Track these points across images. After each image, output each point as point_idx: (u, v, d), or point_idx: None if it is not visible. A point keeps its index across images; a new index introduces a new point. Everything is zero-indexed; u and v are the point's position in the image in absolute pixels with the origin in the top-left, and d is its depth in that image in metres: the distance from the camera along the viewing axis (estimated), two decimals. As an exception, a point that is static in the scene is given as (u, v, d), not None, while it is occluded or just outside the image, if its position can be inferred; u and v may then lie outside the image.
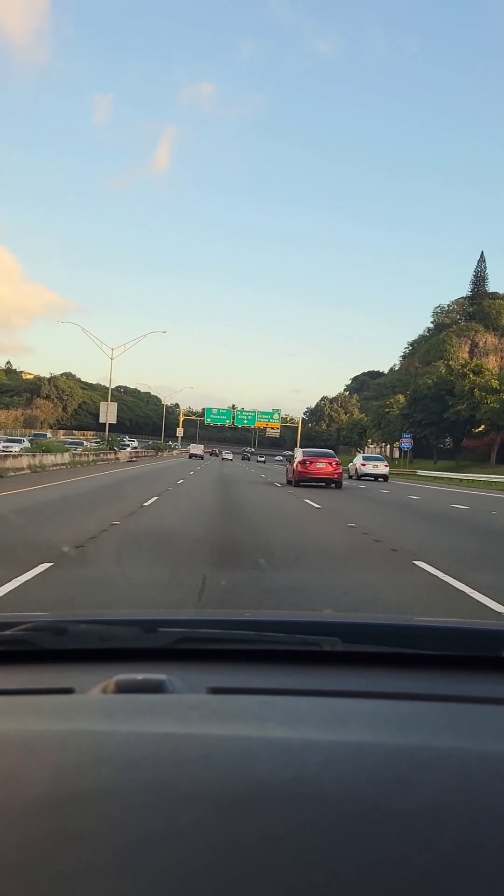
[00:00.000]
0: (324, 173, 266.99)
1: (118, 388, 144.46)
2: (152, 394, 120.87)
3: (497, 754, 0.86)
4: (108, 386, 47.81)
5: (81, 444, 48.63)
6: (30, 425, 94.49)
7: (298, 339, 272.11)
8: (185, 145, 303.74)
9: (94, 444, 46.88)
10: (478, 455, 60.43)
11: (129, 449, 51.02)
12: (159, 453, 62.42)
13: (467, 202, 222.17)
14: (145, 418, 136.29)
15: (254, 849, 0.62)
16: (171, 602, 5.00)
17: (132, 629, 1.30)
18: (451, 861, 0.62)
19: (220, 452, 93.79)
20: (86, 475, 22.54)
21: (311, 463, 22.20)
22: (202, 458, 67.98)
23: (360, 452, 55.74)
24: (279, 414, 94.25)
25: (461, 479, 39.96)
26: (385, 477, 33.99)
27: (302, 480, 21.77)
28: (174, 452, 75.27)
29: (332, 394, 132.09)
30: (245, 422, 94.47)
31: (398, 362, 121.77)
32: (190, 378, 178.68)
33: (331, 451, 26.20)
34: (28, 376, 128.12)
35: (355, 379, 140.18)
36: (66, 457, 29.02)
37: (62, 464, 27.47)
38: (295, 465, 22.81)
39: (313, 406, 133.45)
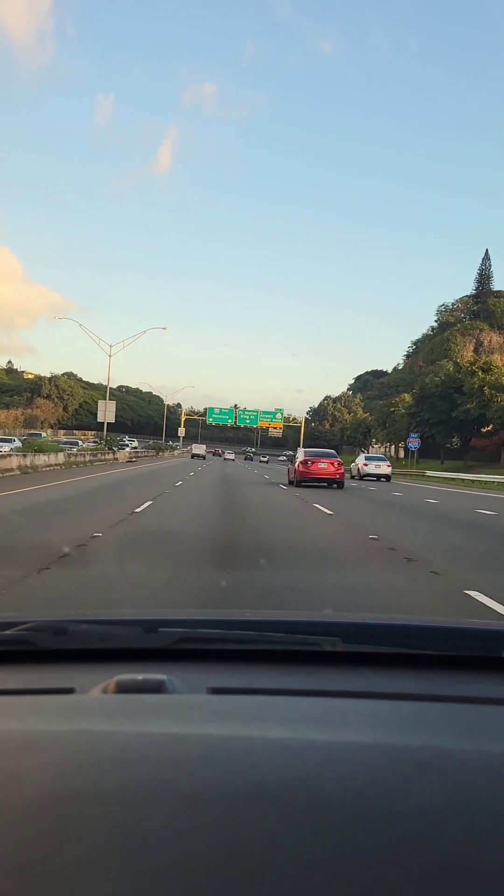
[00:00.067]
0: (325, 173, 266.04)
1: (120, 387, 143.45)
2: (154, 393, 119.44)
3: (497, 755, 0.86)
4: (109, 386, 46.35)
5: (77, 443, 46.85)
6: (30, 425, 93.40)
7: (301, 339, 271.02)
8: (187, 145, 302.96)
9: (92, 444, 45.09)
10: (486, 455, 58.99)
11: (127, 449, 49.48)
12: (160, 453, 61.05)
13: (471, 200, 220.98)
14: (147, 418, 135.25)
15: (254, 849, 0.62)
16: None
17: (132, 629, 1.29)
18: (452, 861, 0.62)
19: (223, 452, 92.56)
20: (79, 476, 21.50)
21: (312, 463, 22.05)
22: (204, 458, 67.67)
23: (363, 452, 54.40)
24: (282, 413, 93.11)
25: (473, 480, 38.35)
26: (388, 477, 33.61)
27: (304, 480, 21.64)
28: (175, 452, 74.24)
29: (334, 394, 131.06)
30: (247, 421, 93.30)
31: (402, 361, 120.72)
32: (192, 379, 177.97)
33: (333, 451, 26.11)
34: (29, 376, 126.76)
35: (358, 378, 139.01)
36: (61, 457, 27.66)
37: (56, 464, 26.17)
38: (297, 465, 22.65)
39: (316, 406, 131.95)
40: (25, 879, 0.58)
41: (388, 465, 34.61)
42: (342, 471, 22.40)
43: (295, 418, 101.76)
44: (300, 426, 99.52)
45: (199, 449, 73.74)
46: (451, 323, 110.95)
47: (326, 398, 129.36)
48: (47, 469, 23.98)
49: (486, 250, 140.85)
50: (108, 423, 41.85)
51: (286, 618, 1.75)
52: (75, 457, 30.70)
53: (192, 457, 68.79)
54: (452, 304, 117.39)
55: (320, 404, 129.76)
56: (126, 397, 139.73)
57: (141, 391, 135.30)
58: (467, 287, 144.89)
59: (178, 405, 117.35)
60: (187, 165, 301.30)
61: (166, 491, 17.16)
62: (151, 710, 0.95)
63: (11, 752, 0.81)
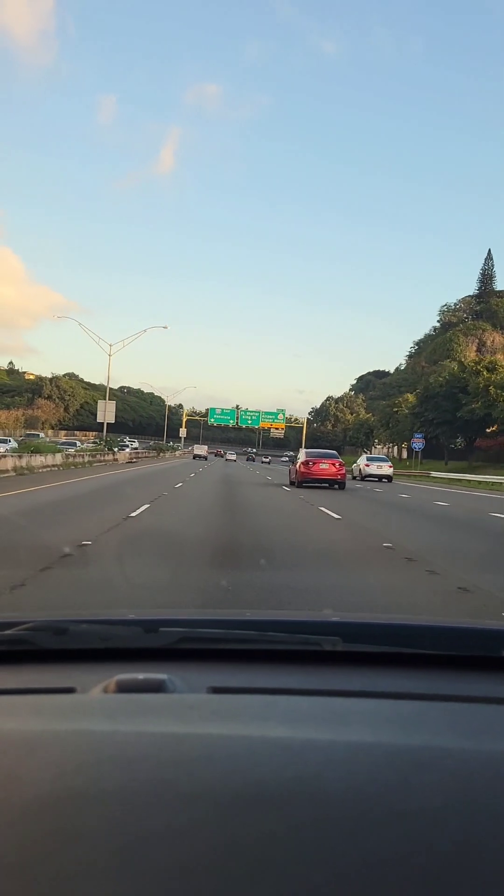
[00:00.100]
0: (327, 173, 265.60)
1: (121, 388, 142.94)
2: (156, 394, 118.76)
3: (498, 754, 0.86)
4: (110, 386, 45.62)
5: (74, 444, 45.78)
6: (31, 426, 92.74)
7: (302, 340, 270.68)
8: (190, 146, 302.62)
9: (91, 445, 44.15)
10: (491, 455, 58.20)
11: (127, 450, 48.71)
12: (161, 454, 60.23)
13: (473, 200, 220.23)
14: (148, 419, 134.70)
15: (254, 848, 0.62)
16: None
17: (133, 629, 1.30)
18: (452, 861, 0.62)
19: (224, 453, 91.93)
20: (76, 478, 20.81)
21: (314, 464, 21.99)
22: (206, 459, 67.49)
23: (366, 453, 53.63)
24: (284, 414, 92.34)
25: (479, 482, 37.46)
26: (389, 478, 33.41)
27: (305, 481, 21.58)
28: (177, 453, 73.55)
29: (336, 394, 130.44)
30: (249, 422, 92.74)
31: (404, 362, 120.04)
32: (194, 379, 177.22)
33: (334, 451, 26.10)
34: (30, 377, 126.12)
35: (361, 378, 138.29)
36: (58, 458, 26.93)
37: (53, 465, 25.48)
38: (298, 465, 22.57)
39: (318, 406, 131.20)
40: (26, 879, 0.58)
41: (390, 466, 34.47)
42: (343, 471, 22.28)
43: (297, 419, 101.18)
44: (302, 427, 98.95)
45: (200, 450, 73.53)
46: (453, 323, 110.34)
47: (328, 398, 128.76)
48: (44, 470, 23.42)
49: (489, 250, 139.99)
50: (107, 423, 41.06)
51: (286, 617, 1.74)
52: (73, 458, 29.93)
53: (194, 457, 68.53)
54: (455, 304, 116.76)
55: (322, 405, 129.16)
56: (127, 398, 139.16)
57: (143, 392, 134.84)
58: (469, 287, 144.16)
59: (180, 406, 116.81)
60: (189, 166, 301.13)
61: (165, 493, 16.40)
62: (152, 710, 0.95)
63: (12, 752, 0.81)
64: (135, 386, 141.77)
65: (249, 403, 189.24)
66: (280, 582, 5.70)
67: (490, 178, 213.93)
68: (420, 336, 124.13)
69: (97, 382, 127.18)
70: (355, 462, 36.28)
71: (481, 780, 0.78)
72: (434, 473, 47.80)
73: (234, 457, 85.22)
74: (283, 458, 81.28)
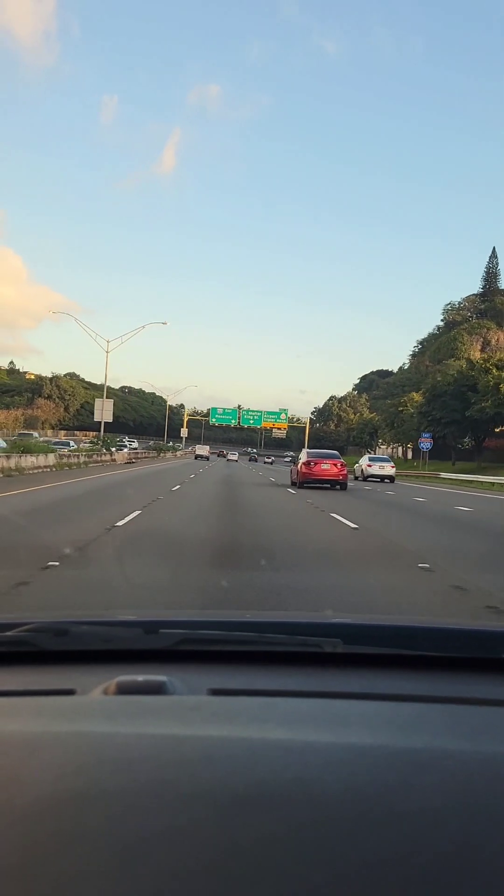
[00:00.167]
0: (329, 172, 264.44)
1: (122, 388, 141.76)
2: (157, 394, 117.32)
3: (498, 756, 0.86)
4: (111, 386, 44.36)
5: (68, 443, 43.67)
6: (31, 426, 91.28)
7: (304, 340, 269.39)
8: (192, 146, 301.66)
9: (88, 445, 42.38)
10: (500, 456, 56.45)
11: (126, 450, 47.05)
12: (161, 454, 58.63)
13: (476, 199, 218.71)
14: (149, 419, 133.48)
15: (254, 850, 0.63)
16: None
17: (133, 630, 1.30)
18: (452, 862, 0.62)
19: (226, 453, 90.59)
20: (67, 480, 19.58)
21: (315, 464, 21.86)
22: (207, 459, 67.08)
23: (370, 453, 52.09)
24: (286, 414, 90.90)
25: (492, 483, 35.62)
26: (392, 478, 33.11)
27: (306, 482, 21.47)
28: (178, 453, 72.06)
29: (339, 394, 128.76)
30: (251, 422, 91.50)
31: (407, 361, 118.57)
32: (195, 380, 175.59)
33: (336, 452, 26.03)
34: (31, 377, 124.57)
35: (364, 378, 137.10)
36: (51, 458, 25.44)
37: (45, 466, 24.04)
38: (300, 466, 22.45)
39: (321, 406, 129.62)
40: (27, 880, 0.58)
41: (392, 466, 34.13)
42: (345, 472, 22.17)
43: (299, 419, 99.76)
44: (304, 427, 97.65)
45: (202, 450, 72.95)
46: (457, 322, 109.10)
47: (331, 398, 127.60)
48: (35, 472, 22.20)
49: (493, 248, 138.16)
50: (105, 422, 39.55)
51: (286, 619, 1.74)
52: (68, 458, 28.41)
53: (196, 457, 67.98)
54: (459, 303, 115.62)
55: (325, 404, 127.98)
56: (128, 398, 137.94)
57: (144, 392, 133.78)
58: (473, 286, 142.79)
59: (182, 406, 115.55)
60: (190, 166, 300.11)
61: (161, 497, 14.95)
62: (152, 712, 0.96)
63: (13, 753, 0.81)
64: (136, 386, 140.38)
65: (251, 404, 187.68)
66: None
67: (493, 177, 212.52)
68: (423, 335, 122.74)
69: (98, 382, 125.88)
70: (357, 462, 35.84)
71: (481, 781, 0.78)
72: (444, 474, 46.26)
73: (235, 457, 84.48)
74: (286, 459, 79.91)
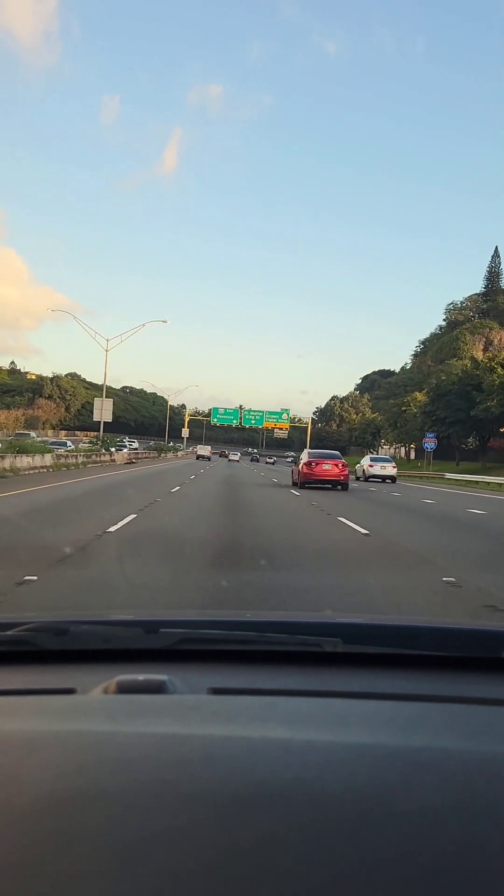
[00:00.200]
0: (330, 173, 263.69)
1: (124, 388, 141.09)
2: (159, 394, 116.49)
3: (498, 755, 0.86)
4: (112, 386, 43.67)
5: (65, 443, 42.35)
6: (31, 426, 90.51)
7: (305, 340, 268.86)
8: (193, 147, 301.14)
9: (87, 445, 41.34)
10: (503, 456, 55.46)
11: (125, 450, 46.18)
12: (162, 455, 57.77)
13: (478, 198, 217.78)
14: (151, 419, 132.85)
15: (254, 849, 0.63)
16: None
17: (133, 630, 1.30)
18: (452, 862, 0.62)
19: (228, 454, 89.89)
20: (64, 481, 18.82)
21: (317, 464, 21.80)
22: (209, 460, 66.82)
23: (372, 453, 51.30)
24: (288, 414, 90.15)
25: (499, 484, 34.68)
26: (393, 478, 33.02)
27: (308, 482, 21.44)
28: (179, 454, 71.27)
29: (340, 395, 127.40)
30: (253, 422, 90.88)
31: (409, 361, 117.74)
32: (197, 380, 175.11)
33: (337, 452, 25.98)
34: (32, 377, 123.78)
35: (366, 378, 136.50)
36: (48, 459, 24.69)
37: (41, 467, 23.34)
38: (301, 466, 22.38)
39: (322, 406, 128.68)
40: (26, 880, 0.58)
41: (394, 467, 34.02)
42: (346, 472, 22.11)
43: (301, 419, 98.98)
44: (306, 427, 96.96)
45: (204, 450, 72.66)
46: (459, 321, 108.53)
47: (333, 398, 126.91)
48: (30, 472, 21.51)
49: (496, 248, 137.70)
50: (106, 422, 38.78)
51: (286, 618, 1.75)
52: (65, 459, 27.62)
53: (198, 458, 67.73)
54: (461, 303, 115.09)
55: (327, 404, 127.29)
56: (130, 398, 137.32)
57: (145, 392, 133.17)
58: (475, 286, 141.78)
59: (183, 406, 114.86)
60: (192, 166, 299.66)
61: (158, 499, 14.22)
62: (152, 711, 0.96)
63: (13, 753, 0.81)
64: (137, 386, 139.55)
65: (252, 404, 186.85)
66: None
67: (495, 176, 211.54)
68: (425, 335, 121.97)
69: (99, 382, 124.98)
70: (359, 463, 35.69)
71: (481, 781, 0.78)
72: (448, 475, 45.41)
73: (237, 457, 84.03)
74: (288, 459, 79.13)
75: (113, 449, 38.79)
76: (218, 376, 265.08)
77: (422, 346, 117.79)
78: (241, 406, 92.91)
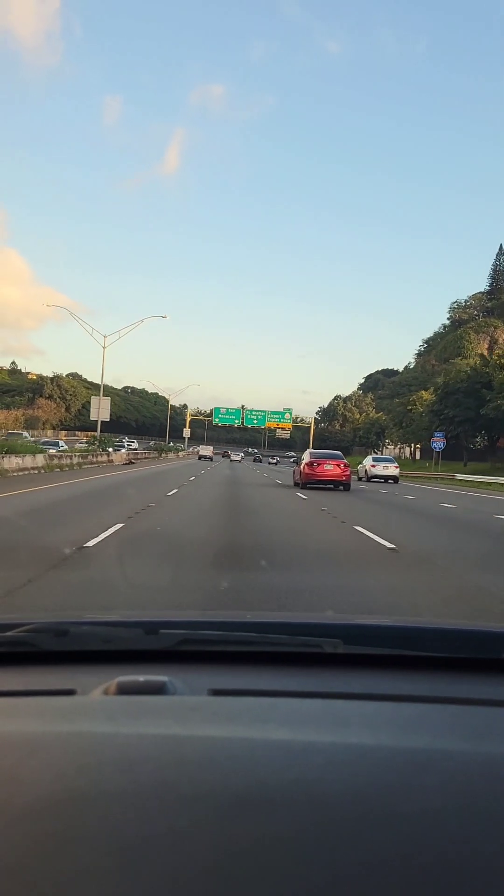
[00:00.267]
0: (333, 172, 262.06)
1: (125, 388, 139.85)
2: (160, 394, 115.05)
3: (498, 757, 0.86)
4: (114, 386, 42.32)
5: (57, 443, 40.22)
6: (31, 426, 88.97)
7: (307, 340, 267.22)
8: (195, 147, 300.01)
9: (84, 445, 39.63)
10: (513, 456, 53.77)
11: (123, 450, 44.58)
12: (163, 455, 56.17)
13: (480, 197, 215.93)
14: (152, 419, 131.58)
15: (255, 850, 0.63)
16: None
17: (134, 631, 1.30)
18: (453, 863, 0.62)
19: (230, 454, 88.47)
20: (53, 483, 17.49)
21: (318, 465, 21.64)
22: (211, 460, 66.46)
23: (376, 453, 49.81)
24: (291, 413, 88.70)
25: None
26: (395, 479, 32.92)
27: (309, 482, 21.33)
28: (180, 454, 69.84)
29: (342, 394, 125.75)
30: (255, 422, 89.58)
31: (413, 360, 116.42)
32: (199, 380, 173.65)
33: (339, 452, 25.75)
34: (32, 376, 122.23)
35: (369, 377, 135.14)
36: (39, 459, 23.15)
37: (33, 468, 21.99)
38: (302, 466, 22.22)
39: (325, 406, 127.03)
40: (27, 880, 0.58)
41: (396, 467, 33.87)
42: (349, 472, 22.03)
43: (303, 419, 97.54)
44: (309, 427, 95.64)
45: (206, 450, 72.23)
46: (464, 320, 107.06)
47: (336, 397, 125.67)
48: (19, 474, 20.34)
49: (501, 245, 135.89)
50: (107, 422, 37.41)
51: (287, 619, 1.73)
52: (59, 459, 26.12)
53: (200, 458, 67.30)
54: (465, 301, 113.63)
55: (330, 404, 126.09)
56: (131, 398, 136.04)
57: (146, 392, 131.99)
58: (478, 285, 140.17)
59: (185, 406, 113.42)
60: (194, 167, 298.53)
61: (152, 504, 12.70)
62: (153, 712, 0.96)
63: (13, 754, 0.81)
64: (139, 386, 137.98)
65: (254, 405, 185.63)
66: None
67: (497, 175, 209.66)
68: (429, 334, 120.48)
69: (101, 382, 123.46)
70: (361, 463, 35.46)
71: (482, 782, 0.78)
72: (459, 476, 43.77)
73: (238, 457, 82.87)
74: (291, 459, 77.51)
75: (111, 449, 37.24)
76: (220, 376, 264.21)
77: (425, 346, 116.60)
78: (243, 406, 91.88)
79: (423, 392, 71.02)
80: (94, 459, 31.54)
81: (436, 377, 69.96)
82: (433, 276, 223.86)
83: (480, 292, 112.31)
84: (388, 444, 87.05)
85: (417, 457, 76.30)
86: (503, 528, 12.56)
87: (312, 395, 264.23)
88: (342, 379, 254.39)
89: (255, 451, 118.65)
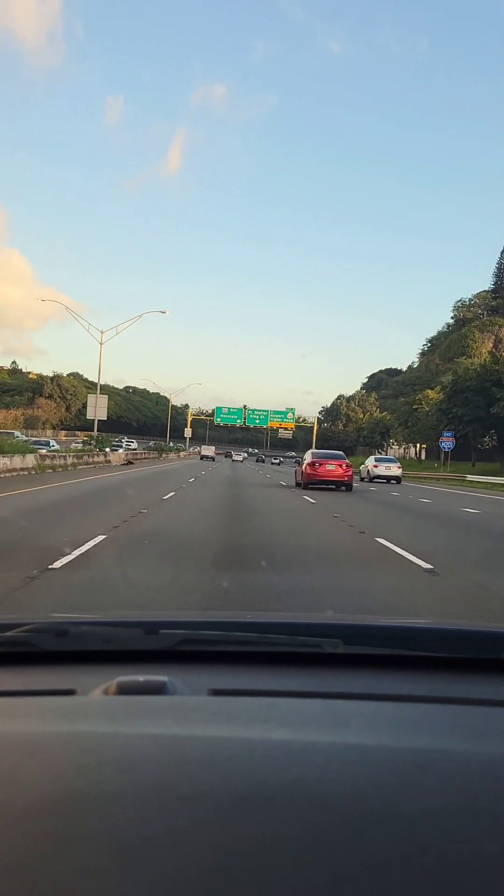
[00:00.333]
0: (335, 172, 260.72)
1: (127, 388, 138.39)
2: (162, 394, 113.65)
3: (498, 757, 0.87)
4: (115, 386, 41.07)
5: (48, 443, 38.90)
6: (31, 425, 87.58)
7: (310, 340, 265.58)
8: (197, 147, 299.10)
9: (79, 444, 38.05)
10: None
11: (121, 450, 43.12)
12: (163, 455, 54.69)
13: (483, 196, 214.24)
14: (153, 419, 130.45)
15: (255, 851, 0.63)
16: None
17: (134, 631, 1.30)
18: (453, 863, 0.63)
19: (232, 454, 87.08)
20: (40, 486, 16.19)
21: (320, 465, 21.57)
22: (213, 460, 65.89)
23: (380, 453, 48.42)
24: (293, 413, 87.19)
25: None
26: (398, 479, 32.77)
27: (311, 482, 21.29)
28: (181, 454, 68.39)
29: (346, 394, 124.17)
30: (257, 421, 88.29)
31: (417, 359, 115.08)
32: (201, 380, 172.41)
33: (341, 452, 25.63)
34: (33, 376, 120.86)
35: (372, 377, 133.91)
36: (30, 460, 21.73)
37: (22, 469, 20.63)
38: (304, 466, 22.16)
39: (328, 405, 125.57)
40: (27, 880, 0.58)
41: (399, 467, 33.65)
42: (350, 472, 21.93)
43: (306, 419, 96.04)
44: (312, 427, 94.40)
45: (208, 450, 71.66)
46: (468, 319, 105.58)
47: (340, 397, 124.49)
48: (7, 475, 19.21)
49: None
50: (107, 422, 36.09)
51: (287, 619, 1.74)
52: (51, 460, 24.68)
53: (202, 458, 66.74)
54: (470, 300, 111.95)
55: (333, 404, 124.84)
56: (132, 398, 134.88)
57: (148, 392, 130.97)
58: (481, 284, 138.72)
59: (186, 406, 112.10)
60: (196, 167, 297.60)
61: (143, 510, 11.38)
62: (153, 712, 0.96)
63: (13, 754, 0.82)
64: (140, 386, 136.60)
65: (256, 405, 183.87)
66: None
67: (501, 173, 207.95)
68: (432, 333, 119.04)
69: (102, 382, 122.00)
70: (363, 463, 35.19)
71: (482, 782, 0.79)
72: (470, 477, 42.37)
73: (240, 457, 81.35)
74: (294, 460, 76.00)
75: (108, 449, 35.75)
76: (221, 377, 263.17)
77: (429, 345, 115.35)
78: (245, 406, 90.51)
79: (430, 391, 69.56)
80: (91, 460, 30.26)
81: (440, 376, 68.57)
82: (436, 275, 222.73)
83: (485, 291, 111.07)
84: (393, 445, 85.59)
85: (423, 457, 74.81)
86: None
87: (315, 396, 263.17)
88: (345, 379, 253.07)
89: (257, 451, 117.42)
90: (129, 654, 1.24)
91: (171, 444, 76.64)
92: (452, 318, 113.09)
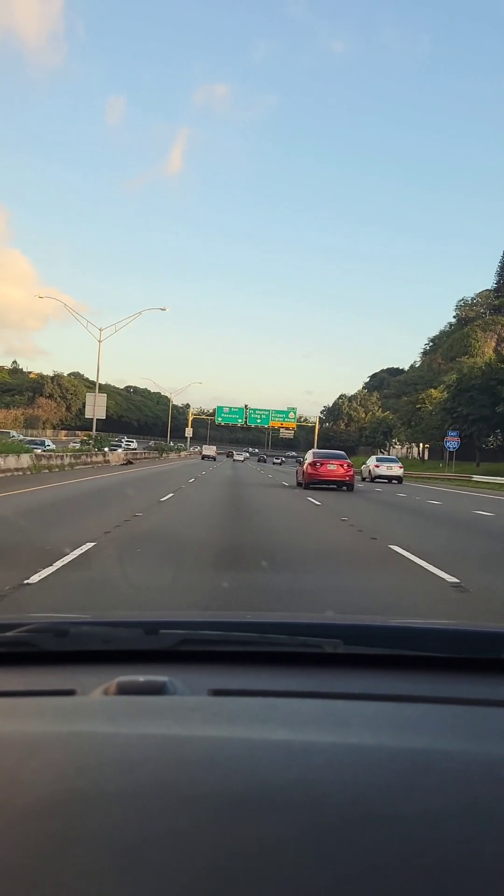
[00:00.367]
0: (337, 172, 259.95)
1: (127, 387, 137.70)
2: (163, 394, 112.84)
3: (499, 757, 0.87)
4: (116, 385, 40.39)
5: (43, 442, 38.45)
6: (31, 425, 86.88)
7: (311, 340, 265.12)
8: (199, 147, 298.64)
9: (78, 444, 37.28)
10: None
11: (120, 449, 42.39)
12: (164, 455, 53.98)
13: (487, 195, 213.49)
14: (154, 418, 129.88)
15: (255, 851, 0.63)
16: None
17: (134, 631, 1.30)
18: (453, 864, 0.63)
19: (234, 454, 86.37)
20: (31, 487, 15.46)
21: (321, 465, 21.57)
22: (214, 460, 65.51)
23: (381, 453, 47.70)
24: (294, 413, 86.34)
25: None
26: (399, 479, 32.68)
27: (312, 482, 21.25)
28: (182, 454, 67.69)
29: (347, 394, 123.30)
30: (258, 421, 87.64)
31: (418, 359, 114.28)
32: (202, 380, 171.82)
33: (342, 452, 25.52)
34: (33, 376, 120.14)
35: (374, 376, 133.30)
36: (25, 460, 20.96)
37: (16, 469, 19.89)
38: (305, 466, 22.14)
39: (330, 405, 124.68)
40: (26, 881, 0.58)
41: (400, 467, 33.57)
42: (352, 472, 21.86)
43: (307, 419, 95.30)
44: (313, 427, 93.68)
45: (209, 450, 71.01)
46: (470, 318, 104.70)
47: (342, 396, 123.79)
48: (0, 476, 18.61)
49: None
50: (106, 421, 35.69)
51: (287, 619, 1.74)
52: (48, 459, 23.98)
53: (203, 458, 66.36)
54: (472, 299, 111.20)
55: (335, 403, 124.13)
56: (133, 397, 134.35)
57: (149, 391, 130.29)
58: (482, 283, 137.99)
59: (187, 405, 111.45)
60: (198, 167, 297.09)
61: (139, 513, 10.67)
62: (153, 712, 0.96)
63: (13, 754, 0.82)
64: (141, 386, 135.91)
65: (258, 405, 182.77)
66: None
67: (502, 173, 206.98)
68: (434, 332, 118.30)
69: (104, 382, 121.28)
70: (364, 463, 35.05)
71: (482, 782, 0.78)
72: (476, 477, 41.52)
73: (242, 458, 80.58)
74: (295, 460, 75.27)
75: (107, 449, 35.03)
76: (223, 377, 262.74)
77: (431, 344, 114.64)
78: (246, 405, 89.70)
79: (433, 390, 68.78)
80: (89, 460, 29.63)
81: (442, 376, 67.79)
82: (438, 275, 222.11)
83: (487, 290, 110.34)
84: (396, 444, 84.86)
85: (426, 457, 74.09)
86: None
87: (316, 396, 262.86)
88: (346, 379, 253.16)
89: (258, 450, 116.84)
90: (129, 655, 1.24)
91: (172, 443, 76.10)
92: (455, 317, 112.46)
